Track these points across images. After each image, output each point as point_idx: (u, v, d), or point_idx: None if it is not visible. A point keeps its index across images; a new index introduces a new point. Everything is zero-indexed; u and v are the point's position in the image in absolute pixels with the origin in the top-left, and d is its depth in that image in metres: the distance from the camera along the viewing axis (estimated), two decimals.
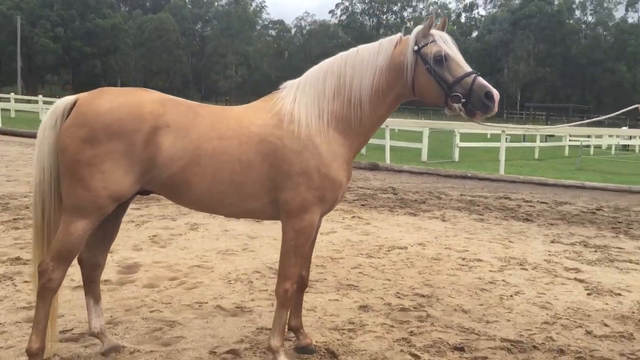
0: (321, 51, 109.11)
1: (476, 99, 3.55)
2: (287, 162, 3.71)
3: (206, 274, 6.06)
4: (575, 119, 72.51)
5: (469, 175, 16.78)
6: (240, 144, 3.72)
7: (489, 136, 33.07)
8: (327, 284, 5.85)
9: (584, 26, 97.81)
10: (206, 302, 5.23)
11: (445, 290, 5.81)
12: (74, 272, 5.01)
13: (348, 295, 5.58)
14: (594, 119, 5.15)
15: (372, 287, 5.84)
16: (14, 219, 8.00)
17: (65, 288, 5.13)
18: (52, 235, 3.81)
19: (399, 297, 5.55)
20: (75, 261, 3.82)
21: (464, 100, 3.58)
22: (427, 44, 3.66)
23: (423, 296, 5.61)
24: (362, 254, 7.06)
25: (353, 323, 4.86)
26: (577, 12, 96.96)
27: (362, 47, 3.92)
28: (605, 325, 5.02)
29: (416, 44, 3.69)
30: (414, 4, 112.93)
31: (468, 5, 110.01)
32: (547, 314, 5.23)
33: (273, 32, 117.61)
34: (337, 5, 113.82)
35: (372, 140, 14.82)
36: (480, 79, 3.57)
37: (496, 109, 3.57)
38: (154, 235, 7.47)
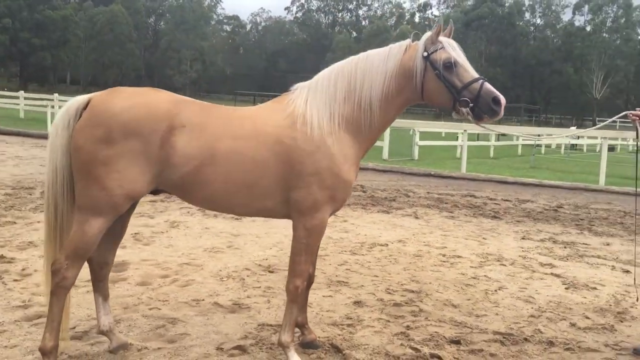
0: (277, 48, 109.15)
1: (484, 103, 3.72)
2: (300, 162, 3.81)
3: (197, 271, 6.11)
4: (525, 118, 74.61)
5: (432, 173, 17.14)
6: (255, 144, 3.80)
7: (443, 134, 33.82)
8: (318, 281, 5.96)
9: (532, 28, 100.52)
10: (203, 299, 5.29)
11: (432, 286, 6.02)
12: None
13: (340, 291, 5.72)
14: (598, 126, 5.41)
15: (361, 283, 5.99)
16: None
17: None
18: (64, 235, 3.82)
19: (389, 293, 5.73)
20: None
21: (472, 104, 3.75)
22: (436, 51, 3.82)
23: (412, 292, 5.80)
24: (346, 251, 7.21)
25: (350, 318, 5.00)
26: (527, 15, 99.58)
27: (372, 52, 4.05)
28: (587, 317, 5.31)
29: (425, 50, 3.84)
30: (369, 2, 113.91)
31: (422, 5, 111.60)
32: (532, 308, 5.50)
33: (228, 28, 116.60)
34: (292, 2, 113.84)
35: None
36: (488, 85, 3.75)
37: (502, 113, 3.77)
38: (135, 233, 7.44)
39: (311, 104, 3.96)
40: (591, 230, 9.64)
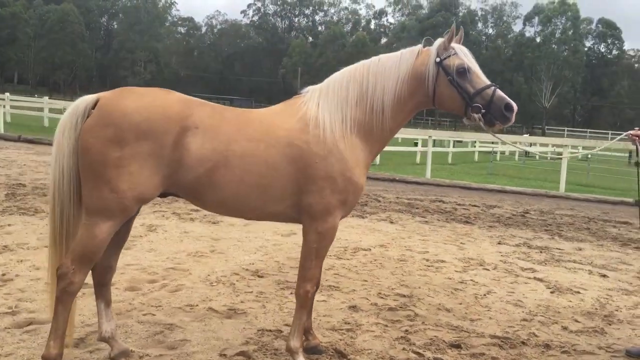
0: (232, 51, 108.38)
1: (496, 110, 3.76)
2: (313, 166, 3.78)
3: (185, 276, 5.98)
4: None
5: (397, 178, 17.32)
6: (268, 146, 3.75)
7: (399, 140, 34.25)
8: None
9: (484, 38, 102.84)
10: (196, 305, 5.18)
11: (423, 290, 6.06)
12: None
13: (333, 296, 5.70)
14: (604, 146, 5.53)
15: (352, 287, 5.99)
16: None
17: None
18: (70, 239, 3.70)
19: (382, 297, 5.73)
20: None
21: (484, 111, 3.79)
22: (449, 56, 3.85)
23: (404, 296, 5.82)
24: (330, 256, 7.19)
25: (349, 323, 4.98)
26: (480, 24, 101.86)
27: (383, 57, 4.05)
28: (577, 321, 5.43)
29: (438, 55, 3.87)
30: (325, 8, 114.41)
31: (378, 12, 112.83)
32: (523, 312, 5.59)
33: (182, 30, 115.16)
34: (249, 6, 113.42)
35: None
36: (500, 92, 3.80)
37: (513, 120, 3.82)
38: None
39: (323, 107, 3.93)
40: (561, 235, 9.89)
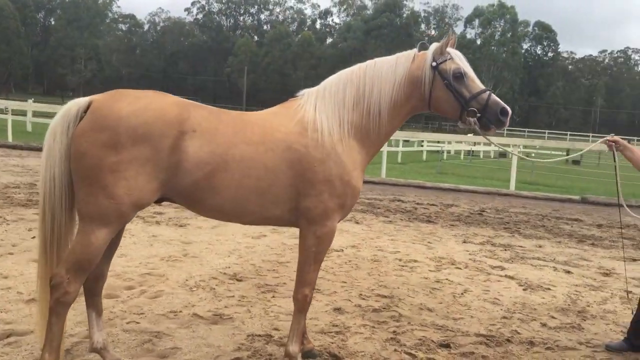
0: (176, 49, 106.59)
1: (491, 114, 3.83)
2: (311, 170, 3.76)
3: (162, 281, 5.85)
4: (421, 125, 77.39)
5: None
6: (266, 150, 3.71)
7: None
8: (288, 288, 5.89)
9: (427, 38, 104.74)
10: (180, 311, 5.07)
11: (402, 291, 6.11)
12: None
13: (315, 298, 5.66)
14: (586, 149, 5.67)
15: (333, 289, 5.99)
16: None
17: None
18: (62, 248, 3.56)
19: (363, 299, 5.76)
20: None
21: (479, 114, 3.86)
22: (445, 61, 3.89)
23: (385, 297, 5.86)
24: None
25: (336, 326, 4.98)
26: (423, 25, 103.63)
27: (379, 60, 4.06)
28: (553, 317, 5.60)
29: (434, 60, 3.91)
30: (270, 7, 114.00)
31: (323, 12, 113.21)
32: (501, 309, 5.72)
33: (124, 27, 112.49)
34: (193, 4, 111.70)
35: None
36: (495, 96, 3.87)
37: (508, 124, 3.91)
38: None
39: (320, 110, 3.91)
40: (520, 233, 10.17)
